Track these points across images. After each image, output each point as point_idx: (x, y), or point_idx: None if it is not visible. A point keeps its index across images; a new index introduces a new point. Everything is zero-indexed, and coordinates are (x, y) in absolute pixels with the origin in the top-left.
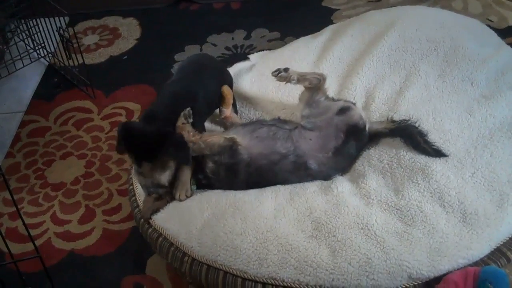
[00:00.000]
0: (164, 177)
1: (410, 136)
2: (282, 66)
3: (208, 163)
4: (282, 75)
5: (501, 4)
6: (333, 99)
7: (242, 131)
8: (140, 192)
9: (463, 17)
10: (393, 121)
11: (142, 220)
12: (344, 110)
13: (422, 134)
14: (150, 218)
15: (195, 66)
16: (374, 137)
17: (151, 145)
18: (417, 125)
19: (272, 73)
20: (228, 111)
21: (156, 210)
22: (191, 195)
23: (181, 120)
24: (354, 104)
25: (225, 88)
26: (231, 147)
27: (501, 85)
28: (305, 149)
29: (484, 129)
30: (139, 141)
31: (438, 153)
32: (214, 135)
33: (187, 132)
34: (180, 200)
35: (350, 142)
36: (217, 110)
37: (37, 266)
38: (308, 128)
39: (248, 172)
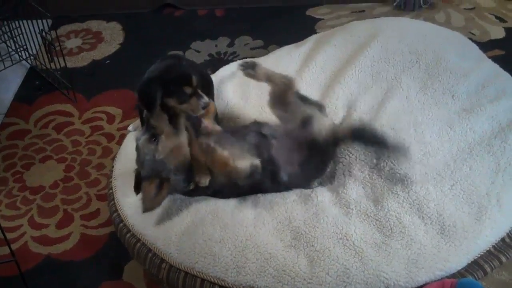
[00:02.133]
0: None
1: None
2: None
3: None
4: (249, 72)
5: (484, 18)
6: (301, 99)
7: (238, 144)
8: (118, 197)
9: (445, 30)
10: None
11: (121, 224)
12: (306, 122)
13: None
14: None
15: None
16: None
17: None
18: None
19: (239, 66)
20: (209, 122)
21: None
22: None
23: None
24: (322, 107)
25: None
26: (251, 173)
27: (481, 98)
28: (276, 159)
29: (463, 143)
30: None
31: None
32: (238, 154)
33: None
34: (202, 185)
35: (315, 156)
36: None
37: (12, 270)
38: (269, 137)
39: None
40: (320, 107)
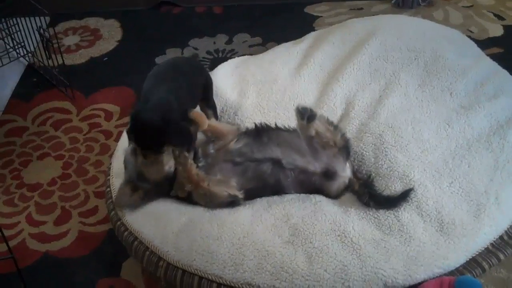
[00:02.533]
0: (166, 168)
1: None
2: (264, 73)
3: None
4: (301, 123)
5: (482, 16)
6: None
7: (235, 173)
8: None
9: (444, 28)
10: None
11: (118, 222)
12: (328, 176)
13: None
14: (123, 208)
15: (165, 73)
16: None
17: (156, 134)
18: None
19: (297, 111)
20: (204, 127)
21: (132, 205)
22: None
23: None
24: (346, 159)
25: (195, 114)
26: (231, 202)
27: (480, 96)
28: (284, 185)
29: (462, 140)
30: (145, 130)
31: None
32: (216, 182)
33: (191, 171)
34: (180, 196)
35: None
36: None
37: (10, 267)
38: (287, 168)
39: None
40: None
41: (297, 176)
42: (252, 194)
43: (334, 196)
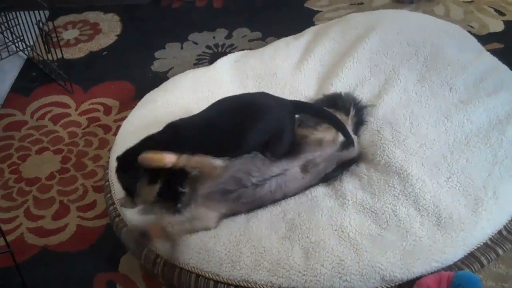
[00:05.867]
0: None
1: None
2: (264, 67)
3: None
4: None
5: (483, 11)
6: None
7: (224, 202)
8: (116, 190)
9: (444, 23)
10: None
11: (117, 218)
12: (346, 145)
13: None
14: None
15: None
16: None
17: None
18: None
19: None
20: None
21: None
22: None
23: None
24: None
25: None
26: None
27: (479, 91)
28: (295, 188)
29: (460, 134)
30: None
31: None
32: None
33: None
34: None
35: (339, 170)
36: None
37: (8, 261)
38: (309, 171)
39: None
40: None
41: (318, 167)
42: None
43: (357, 157)
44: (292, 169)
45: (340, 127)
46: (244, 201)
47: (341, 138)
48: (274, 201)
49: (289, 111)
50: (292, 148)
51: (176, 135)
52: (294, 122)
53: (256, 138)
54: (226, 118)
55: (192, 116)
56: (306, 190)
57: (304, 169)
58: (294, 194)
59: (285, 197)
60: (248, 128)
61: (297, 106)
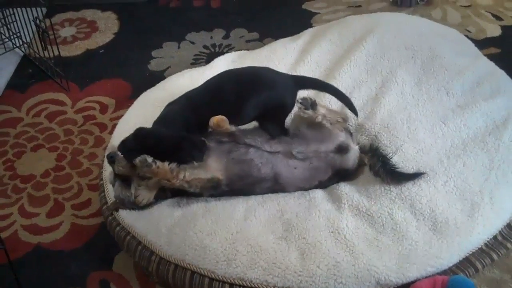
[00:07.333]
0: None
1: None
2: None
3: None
4: (307, 112)
5: (480, 16)
6: (323, 124)
7: (218, 151)
8: (110, 189)
9: (442, 27)
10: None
11: (110, 217)
12: (342, 150)
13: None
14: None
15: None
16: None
17: (169, 149)
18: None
19: (298, 102)
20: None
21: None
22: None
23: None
24: (351, 134)
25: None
26: (213, 186)
27: (476, 96)
28: (286, 177)
29: (457, 139)
30: (157, 146)
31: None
32: (196, 172)
33: (169, 173)
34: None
35: (336, 178)
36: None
37: (1, 258)
38: (298, 158)
39: (224, 191)
40: (350, 135)
41: (310, 164)
42: (237, 182)
43: (352, 170)
44: (283, 153)
45: (344, 100)
46: (235, 158)
47: (339, 135)
48: (264, 177)
49: (291, 86)
50: (287, 133)
51: (190, 103)
52: (295, 98)
53: (255, 108)
54: (231, 85)
55: (201, 86)
56: (301, 189)
57: (292, 155)
58: (285, 183)
59: (275, 179)
60: (249, 97)
61: (300, 81)
